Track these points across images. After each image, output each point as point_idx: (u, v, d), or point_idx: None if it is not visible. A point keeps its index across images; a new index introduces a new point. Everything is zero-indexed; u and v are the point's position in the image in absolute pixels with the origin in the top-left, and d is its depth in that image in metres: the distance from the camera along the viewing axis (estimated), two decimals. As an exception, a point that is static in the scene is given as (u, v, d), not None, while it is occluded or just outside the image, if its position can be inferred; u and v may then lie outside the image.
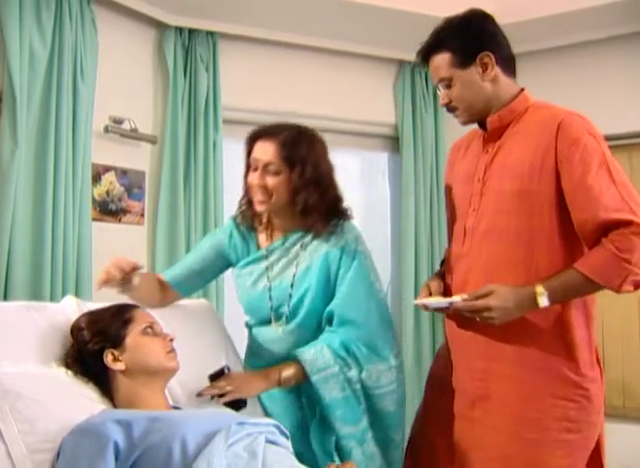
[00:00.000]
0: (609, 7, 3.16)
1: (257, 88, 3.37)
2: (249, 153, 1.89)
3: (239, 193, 2.05)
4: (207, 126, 3.14)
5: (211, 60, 3.18)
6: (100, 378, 1.65)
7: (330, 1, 3.08)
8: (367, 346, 1.82)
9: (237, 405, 1.80)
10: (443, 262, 2.06)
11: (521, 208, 1.70)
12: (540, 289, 1.64)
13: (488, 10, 1.82)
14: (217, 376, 1.82)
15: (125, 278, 1.71)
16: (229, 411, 1.73)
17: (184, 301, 2.13)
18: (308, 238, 1.91)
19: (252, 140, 1.88)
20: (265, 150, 1.82)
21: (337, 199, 1.91)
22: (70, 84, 2.64)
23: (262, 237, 1.99)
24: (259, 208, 1.88)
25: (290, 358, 1.86)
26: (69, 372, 1.65)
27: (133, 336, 1.68)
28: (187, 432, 1.41)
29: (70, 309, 1.87)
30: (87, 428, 1.43)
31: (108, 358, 1.65)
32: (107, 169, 2.91)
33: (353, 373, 1.80)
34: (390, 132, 3.74)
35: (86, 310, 1.83)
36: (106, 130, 2.88)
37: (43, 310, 1.85)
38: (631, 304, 3.53)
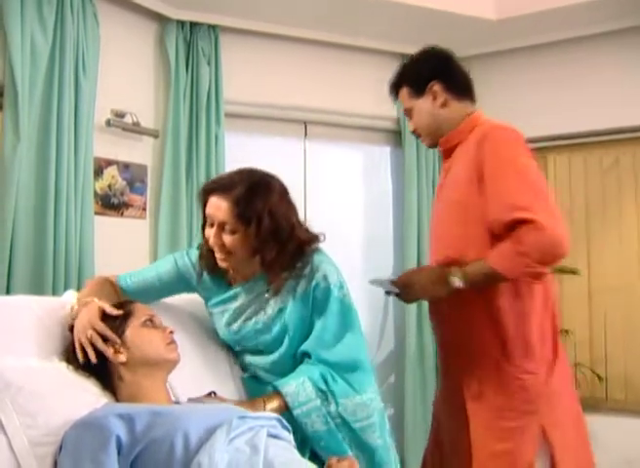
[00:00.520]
0: (603, 2, 3.17)
1: (259, 81, 3.37)
2: (204, 205, 1.83)
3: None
4: (209, 119, 3.14)
5: (213, 54, 3.18)
6: (102, 373, 1.64)
7: (332, -6, 3.09)
8: (343, 379, 1.80)
9: None
10: None
11: (459, 217, 1.88)
12: (454, 270, 1.82)
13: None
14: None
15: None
16: (231, 406, 1.71)
17: (183, 296, 2.12)
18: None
19: (205, 194, 1.82)
20: (219, 208, 1.76)
21: (300, 243, 1.82)
22: (72, 78, 2.64)
23: (234, 273, 1.93)
24: (221, 264, 1.84)
25: (272, 387, 1.84)
26: (70, 367, 1.65)
27: (133, 329, 1.67)
28: (190, 426, 1.41)
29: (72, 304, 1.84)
30: (89, 422, 1.42)
31: (109, 351, 1.64)
32: (109, 163, 2.91)
33: (332, 408, 1.78)
34: (393, 126, 3.73)
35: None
36: (108, 123, 2.88)
37: (45, 304, 1.84)
38: (633, 301, 3.53)
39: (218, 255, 1.81)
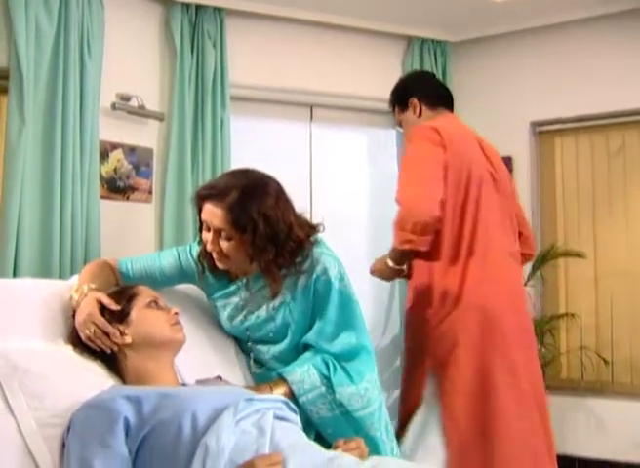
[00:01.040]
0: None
1: (264, 64, 3.35)
2: (199, 209, 1.82)
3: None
4: (214, 103, 3.12)
5: (218, 37, 3.16)
6: (108, 355, 1.64)
7: (338, -24, 3.05)
8: (342, 368, 1.81)
9: None
10: None
11: None
12: (389, 252, 2.37)
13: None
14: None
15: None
16: (238, 388, 1.73)
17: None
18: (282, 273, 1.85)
19: (200, 200, 1.80)
20: (214, 215, 1.75)
21: (299, 242, 1.80)
22: (77, 61, 2.63)
23: (233, 270, 1.92)
24: (220, 266, 1.84)
25: (277, 375, 1.85)
26: (76, 350, 1.66)
27: (137, 310, 1.67)
28: (197, 408, 1.41)
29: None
30: (97, 403, 1.43)
31: (114, 347, 1.64)
32: (115, 146, 2.90)
33: (335, 396, 1.80)
34: None
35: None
36: (114, 107, 2.86)
37: (51, 287, 1.85)
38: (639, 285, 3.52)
39: (216, 259, 1.81)
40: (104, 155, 2.84)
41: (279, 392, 1.78)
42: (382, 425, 1.86)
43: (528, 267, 3.57)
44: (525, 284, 3.54)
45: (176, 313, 1.71)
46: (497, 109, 3.73)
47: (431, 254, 2.32)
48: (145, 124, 3.05)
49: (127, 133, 2.96)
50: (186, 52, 3.09)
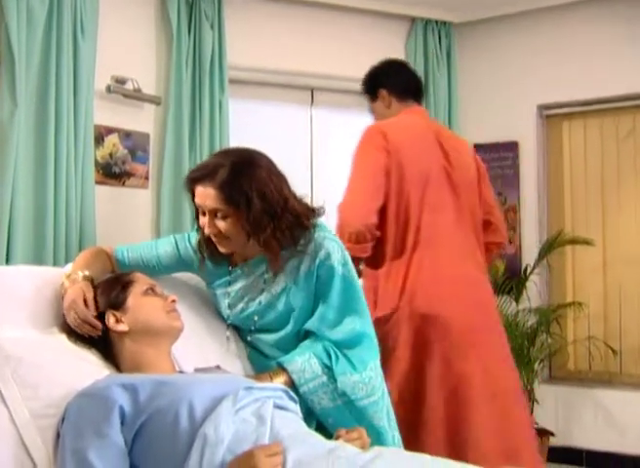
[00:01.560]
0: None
1: (264, 46, 3.32)
2: (192, 195, 1.81)
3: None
4: (212, 86, 3.10)
5: (216, 18, 3.12)
6: (103, 344, 1.62)
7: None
8: (344, 356, 1.79)
9: None
10: None
11: None
12: None
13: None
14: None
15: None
16: (237, 376, 1.71)
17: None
18: (284, 257, 1.83)
19: (191, 183, 1.79)
20: (207, 196, 1.74)
21: (297, 215, 1.78)
22: (70, 42, 2.59)
23: (235, 255, 1.90)
24: (221, 249, 1.82)
25: (277, 363, 1.82)
26: (71, 339, 1.62)
27: (134, 297, 1.64)
28: (195, 396, 1.39)
29: (73, 276, 1.84)
30: (92, 392, 1.40)
31: (110, 320, 1.61)
32: (110, 130, 2.88)
33: (335, 385, 1.78)
34: None
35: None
36: (109, 90, 2.84)
37: (45, 274, 1.82)
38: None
39: (217, 242, 1.80)
40: (99, 140, 2.82)
41: (279, 381, 1.76)
42: (385, 413, 1.85)
43: (534, 254, 3.54)
44: (531, 272, 3.53)
45: (173, 300, 1.69)
46: (502, 93, 3.70)
47: (376, 260, 2.33)
48: (141, 108, 3.02)
49: (122, 117, 2.93)
50: (183, 33, 3.05)
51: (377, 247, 2.29)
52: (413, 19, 3.60)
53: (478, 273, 2.39)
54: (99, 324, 1.60)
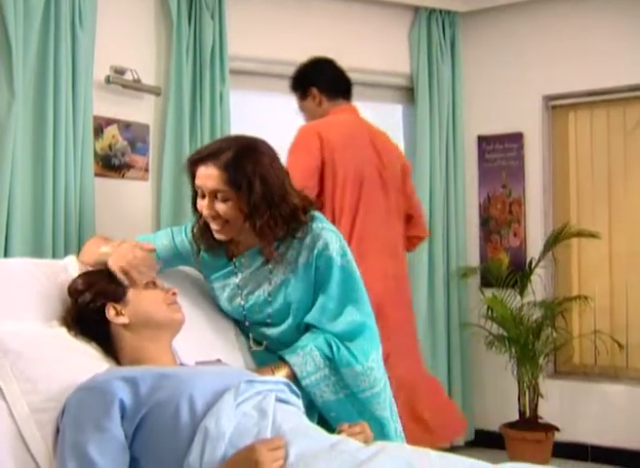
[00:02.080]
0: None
1: (265, 37, 3.30)
2: (192, 178, 1.81)
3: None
4: (213, 77, 3.07)
5: (217, 7, 3.08)
6: (103, 337, 1.62)
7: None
8: (345, 347, 1.79)
9: None
10: None
11: None
12: None
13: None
14: None
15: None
16: (238, 369, 1.72)
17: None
18: (281, 249, 1.84)
19: (193, 165, 1.80)
20: (209, 177, 1.75)
21: (294, 209, 1.79)
22: (69, 32, 2.55)
23: (232, 247, 1.90)
24: (218, 236, 1.81)
25: (278, 357, 1.83)
26: (71, 332, 1.63)
27: (135, 290, 1.66)
28: (195, 389, 1.39)
29: (72, 268, 1.84)
30: (92, 386, 1.41)
31: (110, 312, 1.61)
32: (109, 122, 2.85)
33: (338, 378, 1.79)
34: (405, 82, 3.67)
35: (90, 269, 1.80)
36: (108, 80, 2.80)
37: (44, 267, 1.83)
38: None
39: (213, 227, 1.80)
40: (98, 131, 2.79)
41: (281, 374, 1.77)
42: (388, 405, 1.86)
43: (539, 247, 3.52)
44: (536, 265, 3.51)
45: (174, 293, 1.70)
46: (507, 83, 3.68)
47: None
48: (141, 99, 2.98)
49: (122, 108, 2.89)
50: (183, 23, 3.01)
51: None
52: (416, 9, 3.58)
53: (401, 271, 2.59)
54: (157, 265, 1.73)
